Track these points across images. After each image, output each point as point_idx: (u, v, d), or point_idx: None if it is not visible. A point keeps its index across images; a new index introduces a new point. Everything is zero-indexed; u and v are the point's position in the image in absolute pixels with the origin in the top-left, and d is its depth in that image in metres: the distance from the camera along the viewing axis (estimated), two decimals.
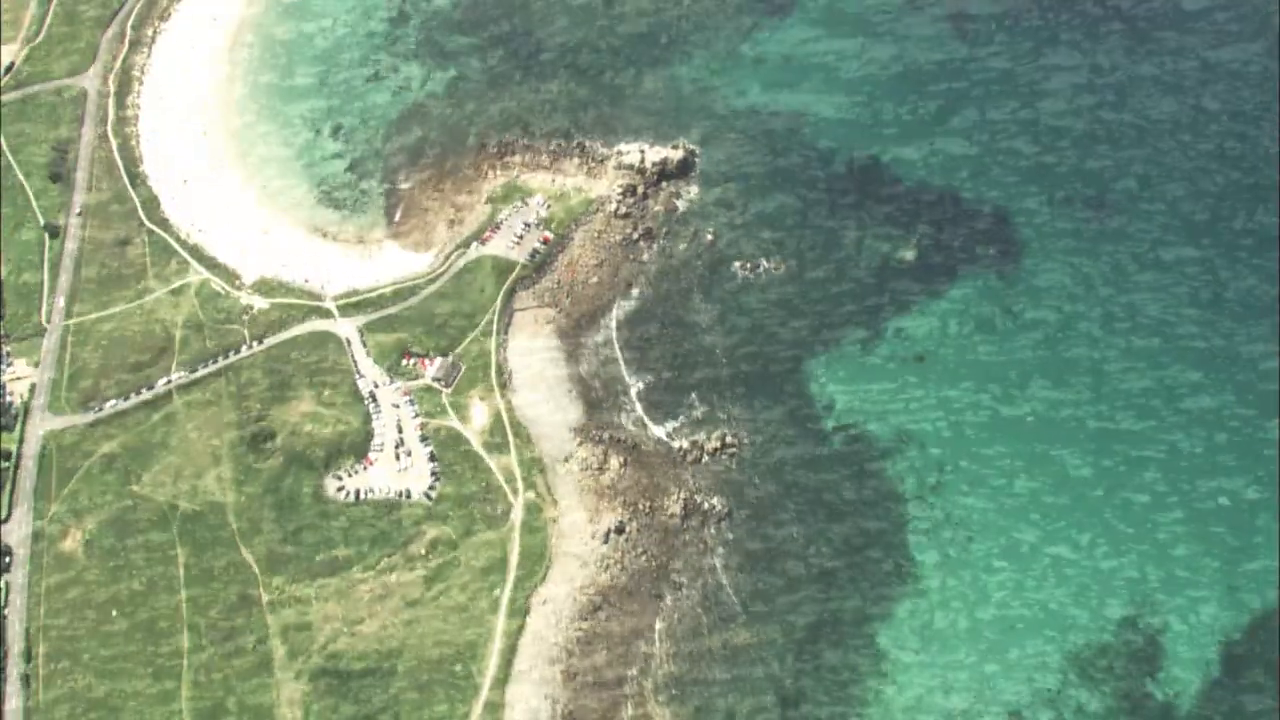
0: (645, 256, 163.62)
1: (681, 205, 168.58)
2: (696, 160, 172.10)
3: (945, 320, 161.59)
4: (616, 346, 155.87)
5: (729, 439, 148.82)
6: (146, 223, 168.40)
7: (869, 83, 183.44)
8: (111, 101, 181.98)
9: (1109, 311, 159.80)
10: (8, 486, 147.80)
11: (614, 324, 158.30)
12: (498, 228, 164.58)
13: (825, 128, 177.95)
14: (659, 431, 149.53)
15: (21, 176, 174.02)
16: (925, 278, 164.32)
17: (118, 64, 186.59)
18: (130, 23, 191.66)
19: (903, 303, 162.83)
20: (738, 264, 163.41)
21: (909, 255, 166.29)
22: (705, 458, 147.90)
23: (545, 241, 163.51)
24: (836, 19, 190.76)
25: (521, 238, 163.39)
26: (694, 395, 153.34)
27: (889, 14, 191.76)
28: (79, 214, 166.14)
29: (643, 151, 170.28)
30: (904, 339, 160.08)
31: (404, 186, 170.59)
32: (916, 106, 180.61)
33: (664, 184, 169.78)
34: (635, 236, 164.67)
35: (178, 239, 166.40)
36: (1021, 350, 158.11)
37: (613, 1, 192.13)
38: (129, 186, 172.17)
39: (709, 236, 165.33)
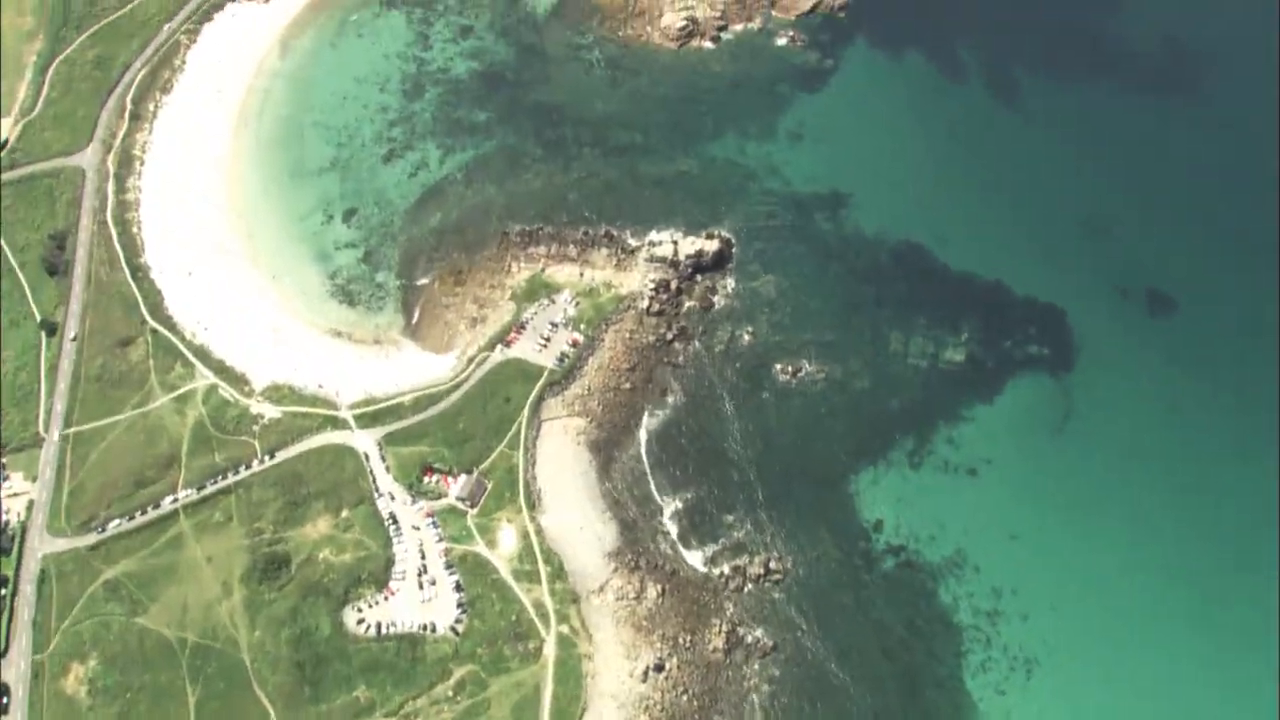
0: (680, 359, 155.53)
1: (718, 301, 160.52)
2: (732, 251, 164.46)
3: (997, 429, 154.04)
4: (647, 464, 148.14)
5: (773, 564, 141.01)
6: (149, 320, 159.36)
7: (910, 162, 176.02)
8: (111, 184, 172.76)
9: (1174, 422, 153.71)
10: (5, 616, 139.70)
11: (645, 437, 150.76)
12: (523, 328, 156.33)
13: (866, 211, 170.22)
14: (696, 559, 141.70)
15: (17, 268, 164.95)
16: (975, 382, 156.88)
17: (117, 141, 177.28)
18: (130, 96, 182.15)
19: (952, 410, 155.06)
20: (779, 366, 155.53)
21: (958, 357, 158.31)
22: (748, 585, 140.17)
23: (574, 344, 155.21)
24: (874, 93, 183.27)
25: (548, 340, 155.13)
26: (734, 515, 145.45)
27: (929, 87, 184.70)
28: (74, 339, 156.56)
29: (675, 242, 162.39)
30: (955, 449, 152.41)
31: (422, 282, 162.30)
32: (961, 189, 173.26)
33: (699, 277, 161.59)
34: (669, 337, 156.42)
35: (182, 339, 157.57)
36: (1080, 463, 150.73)
37: (641, 73, 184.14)
38: (130, 280, 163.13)
39: (747, 337, 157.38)
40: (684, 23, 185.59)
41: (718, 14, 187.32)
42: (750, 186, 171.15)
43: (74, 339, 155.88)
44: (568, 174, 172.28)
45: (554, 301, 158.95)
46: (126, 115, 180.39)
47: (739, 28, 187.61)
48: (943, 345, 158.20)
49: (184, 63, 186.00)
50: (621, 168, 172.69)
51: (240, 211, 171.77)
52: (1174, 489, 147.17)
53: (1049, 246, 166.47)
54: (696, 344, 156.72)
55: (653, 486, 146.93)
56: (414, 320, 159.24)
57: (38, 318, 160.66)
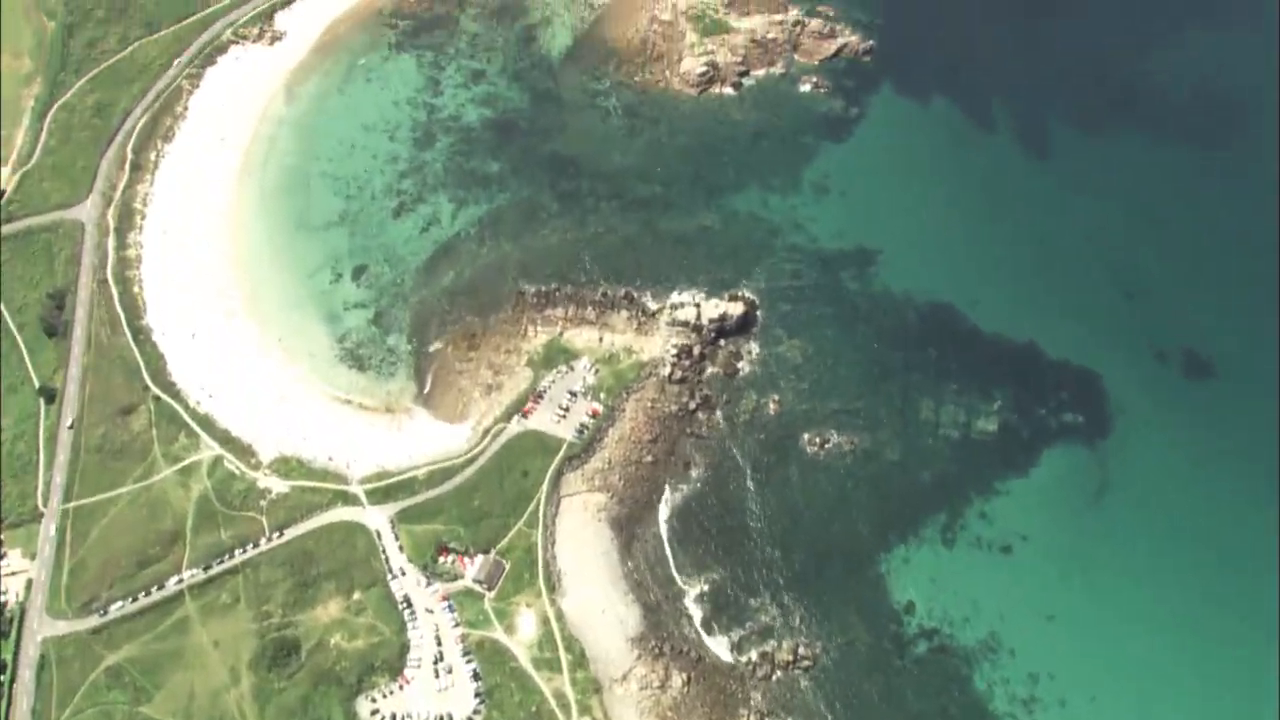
0: (703, 430, 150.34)
1: (742, 367, 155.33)
2: (757, 313, 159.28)
3: (1032, 503, 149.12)
4: (669, 543, 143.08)
5: (801, 650, 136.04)
6: (152, 387, 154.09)
7: (939, 217, 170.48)
8: (111, 239, 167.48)
9: (1217, 493, 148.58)
10: (3, 704, 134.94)
11: (667, 513, 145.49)
12: (540, 397, 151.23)
13: (894, 269, 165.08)
14: (722, 645, 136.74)
15: (15, 329, 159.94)
16: (1009, 452, 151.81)
17: (118, 194, 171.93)
18: (131, 145, 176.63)
19: (985, 482, 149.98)
20: (806, 437, 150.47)
21: (990, 426, 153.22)
22: (776, 673, 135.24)
23: (594, 414, 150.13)
24: (901, 143, 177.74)
25: (567, 410, 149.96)
26: (760, 598, 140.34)
27: (958, 137, 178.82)
28: (70, 426, 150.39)
29: (698, 305, 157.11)
30: (988, 525, 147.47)
31: (434, 346, 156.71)
32: (992, 246, 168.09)
33: (722, 341, 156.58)
34: (692, 406, 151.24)
35: (186, 406, 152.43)
36: (1119, 538, 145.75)
37: (660, 121, 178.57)
38: (131, 342, 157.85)
39: (773, 405, 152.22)
40: (704, 68, 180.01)
41: (739, 59, 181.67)
42: (774, 243, 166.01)
43: (70, 426, 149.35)
44: (585, 229, 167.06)
45: (572, 369, 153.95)
46: (127, 165, 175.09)
47: (761, 73, 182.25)
48: (974, 413, 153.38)
49: (186, 109, 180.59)
50: (641, 223, 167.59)
51: (245, 268, 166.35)
52: (1218, 565, 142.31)
53: (1083, 307, 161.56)
54: (720, 413, 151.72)
55: (675, 567, 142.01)
56: (427, 387, 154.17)
57: (36, 383, 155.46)
